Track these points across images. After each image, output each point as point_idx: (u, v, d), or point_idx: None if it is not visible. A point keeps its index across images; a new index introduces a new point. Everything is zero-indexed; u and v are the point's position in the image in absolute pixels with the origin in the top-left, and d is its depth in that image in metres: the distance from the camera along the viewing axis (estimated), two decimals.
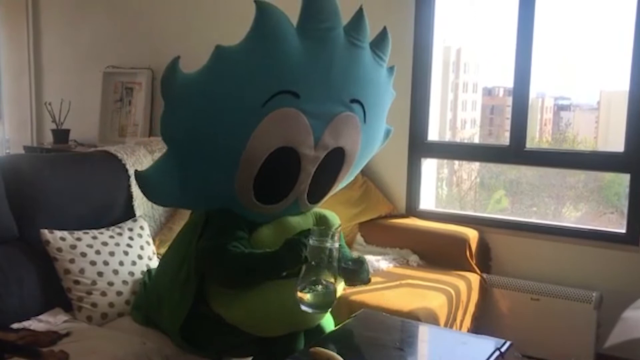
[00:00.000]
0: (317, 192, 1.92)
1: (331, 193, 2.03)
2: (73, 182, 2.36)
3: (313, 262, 1.58)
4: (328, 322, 2.01)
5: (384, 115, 2.05)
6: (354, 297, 2.36)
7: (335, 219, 2.00)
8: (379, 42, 1.89)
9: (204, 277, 1.82)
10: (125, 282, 2.19)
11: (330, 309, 1.71)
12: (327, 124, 1.77)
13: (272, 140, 1.70)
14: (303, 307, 1.59)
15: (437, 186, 3.38)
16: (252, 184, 1.75)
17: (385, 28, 1.92)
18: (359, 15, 1.79)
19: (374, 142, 2.05)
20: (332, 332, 1.90)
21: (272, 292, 1.75)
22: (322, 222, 1.95)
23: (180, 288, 1.85)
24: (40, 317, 2.04)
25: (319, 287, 1.58)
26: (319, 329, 1.93)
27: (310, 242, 1.59)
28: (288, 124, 1.70)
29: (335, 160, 1.87)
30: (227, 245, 1.72)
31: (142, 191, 1.70)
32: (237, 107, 1.65)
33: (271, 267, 1.70)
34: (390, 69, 1.99)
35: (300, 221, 1.91)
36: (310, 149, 1.76)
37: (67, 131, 4.14)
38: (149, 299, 2.06)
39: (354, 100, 1.81)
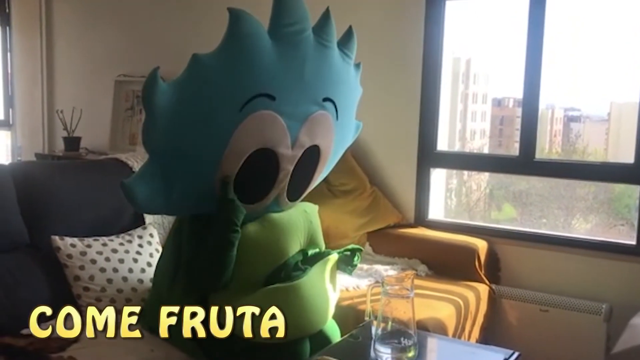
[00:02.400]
0: (296, 189, 1.98)
1: (309, 189, 2.09)
2: (84, 190, 2.38)
3: None
4: (333, 330, 2.01)
5: (354, 111, 2.14)
6: (361, 307, 2.36)
7: (314, 210, 2.09)
8: (346, 41, 1.97)
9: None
10: (134, 289, 2.20)
11: None
12: (302, 123, 1.84)
13: (250, 142, 1.76)
14: None
15: (446, 196, 3.38)
16: (233, 185, 1.80)
17: (350, 27, 1.99)
18: (325, 17, 1.86)
19: (346, 138, 2.13)
20: (340, 341, 1.90)
21: (272, 298, 1.76)
22: (305, 217, 2.02)
23: (181, 294, 1.87)
24: (50, 323, 2.05)
25: None
26: (324, 335, 1.94)
27: None
28: (265, 127, 1.76)
29: (311, 158, 1.94)
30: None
31: (127, 200, 1.72)
32: (216, 112, 1.69)
33: (218, 233, 1.77)
34: (357, 66, 2.07)
35: (284, 216, 1.96)
36: (288, 149, 1.83)
37: (79, 139, 4.17)
38: (153, 308, 2.08)
39: (326, 99, 1.89)
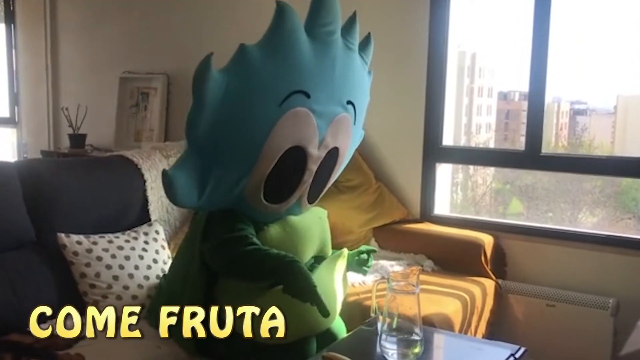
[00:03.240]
0: (315, 192, 1.99)
1: (324, 192, 2.09)
2: (89, 187, 2.38)
3: None
4: (340, 327, 2.01)
5: (363, 117, 2.14)
6: (367, 302, 2.36)
7: (325, 215, 2.10)
8: (365, 47, 2.00)
9: (212, 280, 1.86)
10: (140, 286, 2.20)
11: None
12: (329, 124, 1.85)
13: (286, 139, 1.75)
14: None
15: (451, 191, 3.37)
16: (263, 184, 1.79)
17: (369, 33, 2.02)
18: (352, 20, 1.89)
19: (355, 143, 2.15)
20: (345, 337, 1.90)
21: (281, 298, 1.76)
22: (320, 223, 2.03)
23: (188, 295, 1.87)
24: (56, 319, 2.05)
25: None
26: (331, 333, 1.94)
27: None
28: (300, 124, 1.76)
29: (331, 160, 1.95)
30: (242, 237, 1.77)
31: (166, 192, 1.69)
32: (259, 105, 1.69)
33: (276, 274, 1.72)
34: (369, 73, 2.09)
35: (302, 221, 1.97)
36: (315, 149, 1.84)
37: (84, 136, 4.18)
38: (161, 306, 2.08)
39: (349, 102, 1.90)
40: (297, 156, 1.80)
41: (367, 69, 2.03)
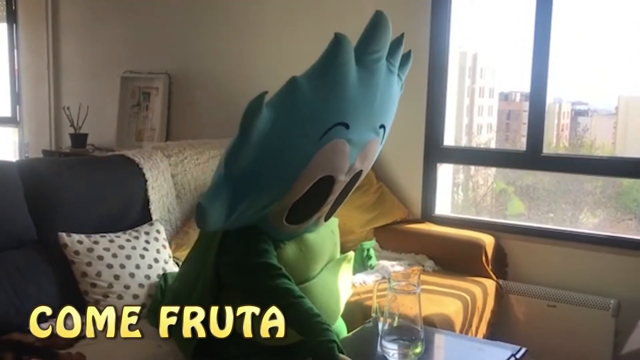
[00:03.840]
0: (332, 211, 1.95)
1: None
2: (91, 186, 2.38)
3: None
4: (341, 327, 2.01)
5: None
6: (368, 302, 2.36)
7: (337, 227, 2.07)
8: (403, 66, 1.89)
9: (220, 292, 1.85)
10: (141, 286, 2.21)
11: None
12: (360, 150, 1.78)
13: (321, 170, 1.70)
14: None
15: (452, 191, 3.37)
16: (289, 209, 1.76)
17: (410, 52, 1.91)
18: (398, 43, 1.79)
19: None
20: (346, 337, 1.90)
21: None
22: (332, 238, 2.01)
23: (195, 299, 1.86)
24: (57, 319, 2.05)
25: None
26: None
27: None
28: (337, 156, 1.71)
29: (354, 182, 1.90)
30: (269, 265, 1.73)
31: (198, 221, 1.64)
32: (302, 138, 1.64)
33: (301, 332, 1.68)
34: (401, 88, 2.00)
35: (317, 239, 1.93)
36: (344, 175, 1.78)
37: (85, 135, 4.18)
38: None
39: (381, 126, 1.83)
40: (326, 183, 1.75)
41: (401, 86, 1.95)
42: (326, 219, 1.97)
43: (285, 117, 1.59)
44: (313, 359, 1.61)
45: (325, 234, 1.99)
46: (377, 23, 1.64)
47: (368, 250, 2.07)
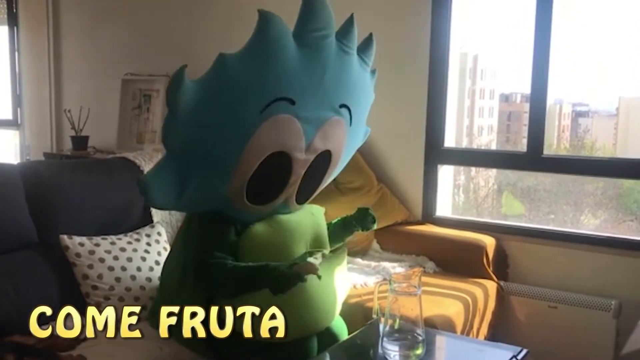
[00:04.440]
0: (305, 193, 1.99)
1: (317, 192, 2.09)
2: (92, 188, 2.39)
3: None
4: (341, 328, 2.01)
5: (365, 117, 2.13)
6: (369, 304, 2.36)
7: (320, 212, 2.09)
8: (365, 48, 1.96)
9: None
10: (142, 288, 2.21)
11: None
12: (318, 128, 1.83)
13: (268, 145, 1.75)
14: None
15: (453, 193, 3.37)
16: (245, 187, 1.80)
17: (371, 34, 1.99)
18: (349, 23, 1.84)
19: (355, 143, 2.15)
20: (347, 339, 1.90)
21: (278, 297, 1.77)
22: (312, 219, 2.02)
23: (189, 296, 1.87)
24: (59, 321, 2.05)
25: None
26: (332, 333, 1.94)
27: None
28: (283, 130, 1.75)
29: (322, 162, 1.94)
30: (210, 258, 1.79)
31: (142, 194, 1.73)
32: (238, 114, 1.69)
33: (252, 286, 1.75)
34: (373, 72, 2.06)
35: (291, 218, 1.97)
36: (302, 153, 1.82)
37: (86, 138, 4.19)
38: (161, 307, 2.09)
39: (342, 105, 1.88)
40: (281, 161, 1.79)
41: (368, 69, 2.00)
42: (300, 202, 1.99)
43: (215, 92, 1.65)
44: (271, 289, 1.68)
45: (303, 215, 2.01)
46: (308, 2, 1.70)
47: (369, 209, 2.09)
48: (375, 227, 2.12)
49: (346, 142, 1.99)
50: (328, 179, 2.08)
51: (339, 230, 2.13)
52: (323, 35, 1.74)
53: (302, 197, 1.99)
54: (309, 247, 2.00)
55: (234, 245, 1.85)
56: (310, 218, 2.03)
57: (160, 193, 1.72)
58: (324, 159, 1.93)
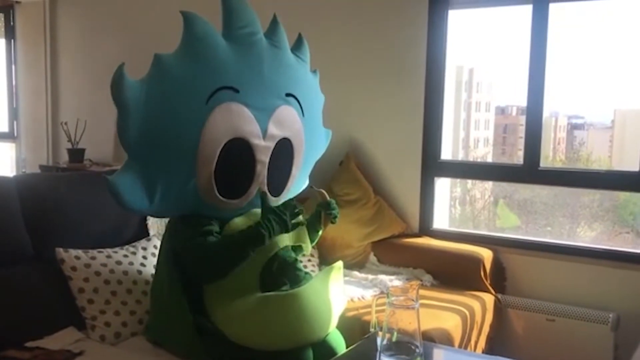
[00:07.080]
0: (276, 184, 2.06)
1: (290, 187, 2.15)
2: (88, 201, 2.38)
3: None
4: (338, 341, 2.00)
5: (320, 115, 2.29)
6: (367, 317, 2.35)
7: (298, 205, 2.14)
8: (297, 47, 2.18)
9: (196, 287, 1.91)
10: (138, 302, 2.19)
11: None
12: (269, 115, 1.96)
13: (222, 133, 1.84)
14: None
15: (450, 205, 3.37)
16: (213, 180, 1.87)
17: (300, 34, 2.20)
18: (274, 22, 2.06)
19: (317, 143, 2.26)
20: (345, 353, 1.89)
21: (272, 307, 1.78)
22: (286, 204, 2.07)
23: (175, 306, 1.89)
24: (54, 335, 2.05)
25: None
26: (328, 345, 1.93)
27: None
28: (233, 117, 1.86)
29: (286, 152, 2.05)
30: (203, 239, 1.86)
31: (112, 196, 1.76)
32: (183, 106, 1.79)
33: (247, 243, 1.84)
34: (314, 72, 2.26)
35: None
36: (259, 139, 1.93)
37: (83, 150, 4.18)
38: (156, 320, 2.08)
39: (288, 95, 2.03)
40: (241, 149, 1.88)
41: (306, 65, 2.16)
42: (274, 194, 2.05)
43: (157, 87, 1.77)
44: (260, 239, 1.82)
45: (281, 208, 2.02)
46: (227, 3, 1.91)
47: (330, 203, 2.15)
48: (337, 212, 2.17)
49: (304, 135, 2.10)
50: (295, 170, 2.13)
51: (311, 221, 2.16)
52: (250, 33, 1.93)
53: (275, 189, 2.05)
54: (291, 240, 2.04)
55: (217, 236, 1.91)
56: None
57: (129, 194, 1.76)
58: (286, 147, 2.03)
